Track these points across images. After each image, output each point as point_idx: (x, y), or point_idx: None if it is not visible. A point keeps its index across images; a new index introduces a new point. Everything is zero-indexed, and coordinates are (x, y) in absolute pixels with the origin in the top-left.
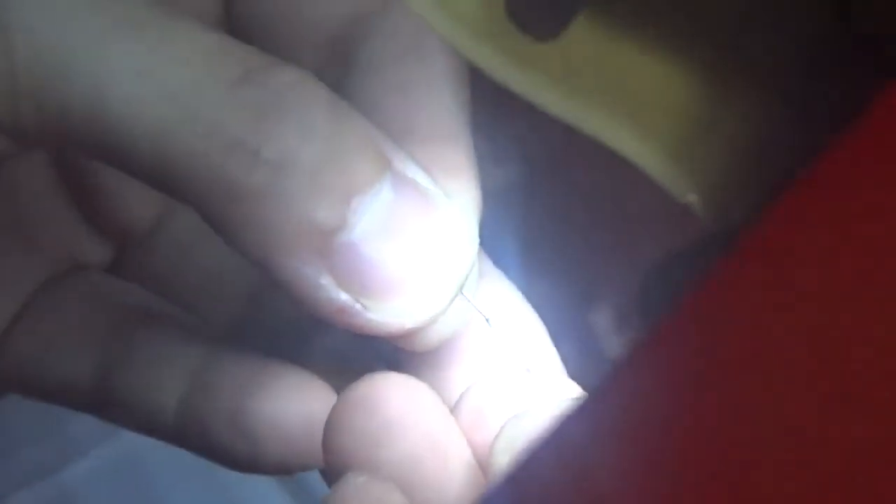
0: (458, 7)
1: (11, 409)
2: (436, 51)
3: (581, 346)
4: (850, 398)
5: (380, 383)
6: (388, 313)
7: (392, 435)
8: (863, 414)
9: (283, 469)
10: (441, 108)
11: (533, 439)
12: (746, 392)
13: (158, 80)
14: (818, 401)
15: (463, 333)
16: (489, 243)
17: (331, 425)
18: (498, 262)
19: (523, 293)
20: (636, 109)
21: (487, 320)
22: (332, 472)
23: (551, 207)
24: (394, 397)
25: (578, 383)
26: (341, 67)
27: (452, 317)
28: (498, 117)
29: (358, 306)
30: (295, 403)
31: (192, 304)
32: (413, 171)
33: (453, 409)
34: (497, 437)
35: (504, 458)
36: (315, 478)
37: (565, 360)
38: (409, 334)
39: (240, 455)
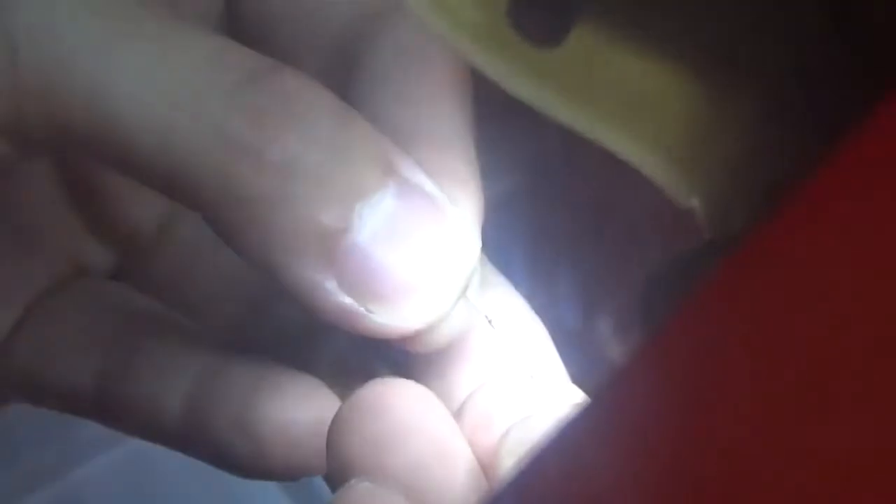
0: (461, 14)
1: (16, 412)
2: (439, 58)
3: (584, 351)
4: (853, 405)
5: (384, 389)
6: (393, 316)
7: (396, 440)
8: (866, 419)
9: (287, 474)
10: (444, 116)
11: (536, 444)
12: (749, 397)
13: (161, 82)
14: (820, 406)
15: (467, 339)
16: (493, 251)
17: (335, 431)
18: (501, 270)
19: (527, 299)
20: (639, 115)
21: (490, 321)
22: (336, 477)
23: (554, 214)
24: (398, 403)
25: (581, 389)
26: (344, 71)
27: (457, 318)
28: (501, 124)
29: (363, 309)
30: (299, 409)
31: (196, 311)
32: (418, 176)
33: (457, 415)
34: (501, 442)
35: (507, 463)
36: (319, 482)
37: (568, 366)
38: (414, 336)
39: (244, 461)
